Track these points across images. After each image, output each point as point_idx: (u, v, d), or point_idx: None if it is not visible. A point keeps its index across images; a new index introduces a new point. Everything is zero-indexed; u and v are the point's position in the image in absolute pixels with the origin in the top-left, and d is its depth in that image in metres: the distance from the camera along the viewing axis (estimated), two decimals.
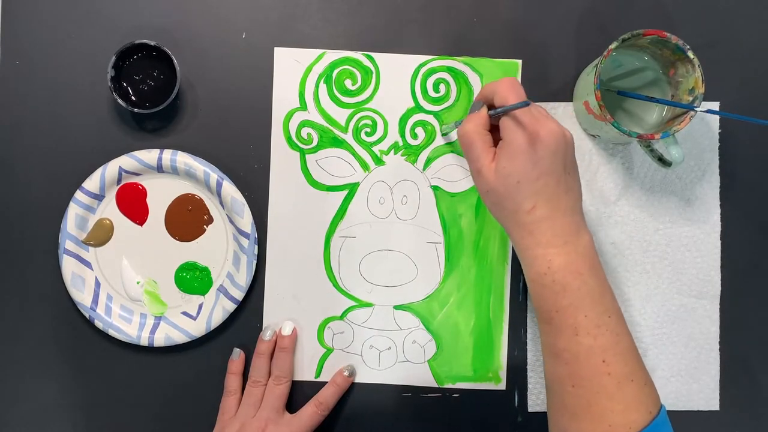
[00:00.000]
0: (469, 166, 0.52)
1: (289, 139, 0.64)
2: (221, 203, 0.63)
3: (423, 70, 0.64)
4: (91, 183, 0.62)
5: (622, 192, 0.65)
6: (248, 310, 0.64)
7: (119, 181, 0.63)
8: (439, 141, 0.64)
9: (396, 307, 0.64)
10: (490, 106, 0.53)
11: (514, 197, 0.49)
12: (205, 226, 0.64)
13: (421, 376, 0.64)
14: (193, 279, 0.64)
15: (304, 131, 0.64)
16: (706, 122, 0.65)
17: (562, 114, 0.64)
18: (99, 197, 0.63)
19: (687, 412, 0.65)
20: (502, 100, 0.50)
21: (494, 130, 0.53)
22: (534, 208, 0.49)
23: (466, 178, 0.64)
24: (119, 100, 0.60)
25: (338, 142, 0.64)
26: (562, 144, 0.49)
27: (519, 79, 0.64)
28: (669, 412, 0.64)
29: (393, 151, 0.64)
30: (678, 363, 0.65)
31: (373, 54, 0.64)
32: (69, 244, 0.62)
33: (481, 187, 0.51)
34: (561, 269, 0.49)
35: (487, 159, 0.50)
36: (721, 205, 0.65)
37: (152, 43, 0.60)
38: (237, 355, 0.63)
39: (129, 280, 0.64)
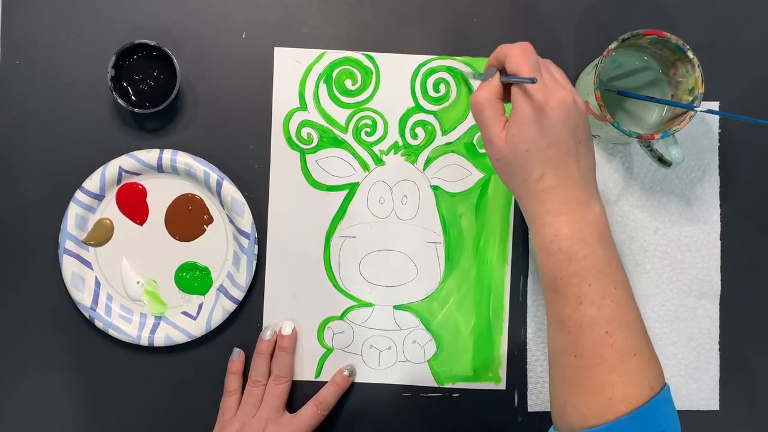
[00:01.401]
0: (481, 134, 0.51)
1: (289, 139, 0.64)
2: (221, 203, 0.63)
3: (423, 69, 0.64)
4: (91, 183, 0.62)
5: (622, 192, 0.65)
6: (248, 310, 0.64)
7: (119, 181, 0.63)
8: (439, 141, 0.64)
9: (396, 307, 0.64)
10: (503, 71, 0.51)
11: (523, 165, 0.49)
12: (205, 226, 0.64)
13: (421, 376, 0.64)
14: (193, 279, 0.64)
15: (304, 131, 0.64)
16: (706, 122, 0.65)
17: None
18: (99, 197, 0.63)
19: (687, 411, 0.65)
20: (513, 67, 0.49)
21: (509, 94, 0.52)
22: (543, 176, 0.48)
23: (466, 178, 0.64)
24: (119, 100, 0.60)
25: (338, 142, 0.64)
26: (573, 113, 0.48)
27: None
28: None
29: (393, 151, 0.64)
30: (678, 363, 0.65)
31: (373, 54, 0.64)
32: (69, 244, 0.62)
33: (491, 155, 0.51)
34: (568, 237, 0.48)
35: (497, 127, 0.50)
36: (721, 205, 0.65)
37: (152, 43, 0.60)
38: (237, 355, 0.63)
39: (129, 280, 0.64)
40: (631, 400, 0.46)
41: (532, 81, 0.47)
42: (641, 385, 0.47)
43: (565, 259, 0.48)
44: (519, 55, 0.49)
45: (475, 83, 0.64)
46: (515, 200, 0.64)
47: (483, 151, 0.64)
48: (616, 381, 0.46)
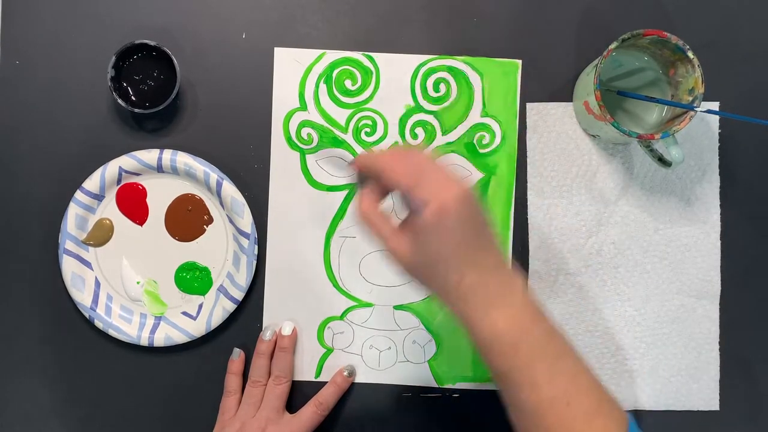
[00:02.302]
0: (381, 246, 0.49)
1: (289, 139, 0.64)
2: (221, 203, 0.63)
3: (423, 69, 0.64)
4: (91, 183, 0.62)
5: (622, 192, 0.65)
6: (248, 310, 0.64)
7: (119, 181, 0.63)
8: (440, 141, 0.64)
9: (396, 307, 0.64)
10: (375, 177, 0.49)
11: (435, 274, 0.47)
12: (205, 226, 0.64)
13: (421, 376, 0.64)
14: (193, 279, 0.64)
15: (304, 131, 0.64)
16: (706, 122, 0.65)
17: (562, 114, 0.64)
18: (99, 197, 0.63)
19: (687, 412, 0.65)
20: (391, 182, 0.47)
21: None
22: (461, 279, 0.46)
23: (466, 178, 0.64)
24: (119, 100, 0.60)
25: (338, 142, 0.64)
26: (468, 205, 0.46)
27: (519, 79, 0.64)
28: (669, 412, 0.64)
29: None
30: (678, 363, 0.65)
31: (373, 54, 0.64)
32: (69, 244, 0.62)
33: (398, 266, 0.48)
34: (506, 331, 0.46)
35: (393, 240, 0.48)
36: (721, 205, 0.65)
37: (152, 43, 0.60)
38: (237, 355, 0.63)
39: (129, 280, 0.64)
40: None
41: (411, 205, 0.46)
42: None
43: (509, 351, 0.47)
44: (392, 167, 0.47)
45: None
46: (513, 202, 0.64)
47: (483, 151, 0.64)
48: None
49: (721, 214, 0.65)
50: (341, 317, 0.64)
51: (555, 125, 0.64)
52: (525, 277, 0.49)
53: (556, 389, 0.46)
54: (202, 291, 0.64)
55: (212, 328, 0.63)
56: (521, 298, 0.48)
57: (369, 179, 0.49)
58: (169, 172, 0.63)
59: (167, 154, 0.62)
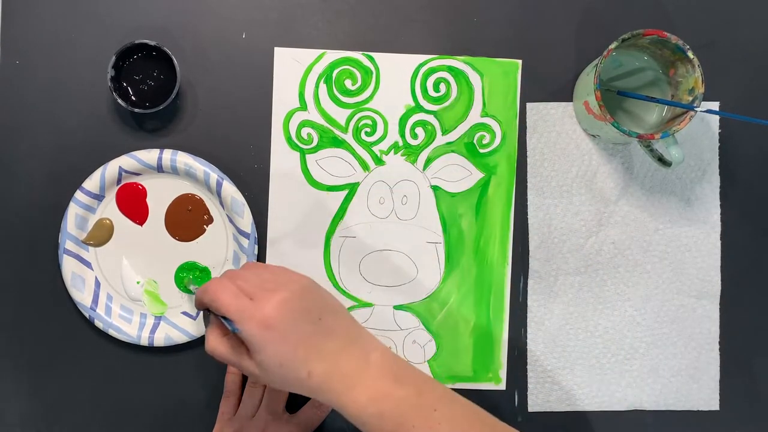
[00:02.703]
0: (241, 370, 0.50)
1: (289, 139, 0.64)
2: (221, 203, 0.63)
3: (423, 69, 0.64)
4: (91, 183, 0.62)
5: (622, 192, 0.65)
6: None
7: (119, 181, 0.63)
8: (440, 141, 0.64)
9: (396, 307, 0.64)
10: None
11: (288, 376, 0.48)
12: (205, 226, 0.64)
13: None
14: (193, 279, 0.64)
15: (304, 131, 0.64)
16: (706, 122, 0.65)
17: (562, 114, 0.64)
18: (99, 197, 0.63)
19: (687, 412, 0.65)
20: (216, 308, 0.49)
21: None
22: (311, 373, 0.48)
23: (467, 178, 0.64)
24: (119, 100, 0.60)
25: (338, 142, 0.64)
26: (293, 305, 0.48)
27: (519, 79, 0.64)
28: (669, 412, 0.64)
29: (393, 151, 0.64)
30: (678, 363, 0.65)
31: (373, 54, 0.64)
32: (69, 244, 0.62)
33: (260, 381, 0.51)
34: (370, 403, 0.48)
35: (246, 361, 0.49)
36: (721, 205, 0.65)
37: (152, 43, 0.60)
38: None
39: (129, 280, 0.64)
40: None
41: (235, 331, 0.48)
42: None
43: (380, 422, 0.48)
44: (212, 296, 0.49)
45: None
46: (513, 202, 0.64)
47: (484, 151, 0.64)
48: None
49: (721, 214, 0.65)
50: None
51: (555, 125, 0.64)
52: (378, 343, 0.51)
53: None
54: None
55: None
56: (378, 367, 0.49)
57: (207, 317, 0.53)
58: (169, 172, 0.63)
59: (167, 154, 0.62)
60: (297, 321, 0.48)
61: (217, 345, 0.50)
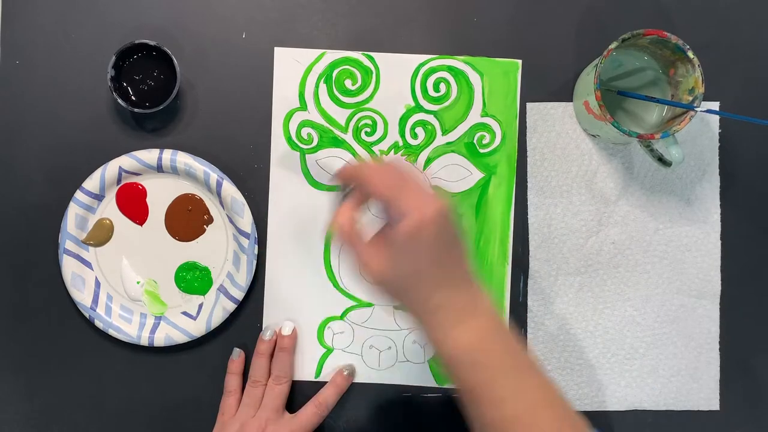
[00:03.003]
0: (356, 261, 0.49)
1: (289, 139, 0.64)
2: (221, 203, 0.63)
3: (423, 69, 0.64)
4: (91, 183, 0.62)
5: (622, 192, 0.65)
6: (248, 310, 0.64)
7: (119, 181, 0.63)
8: (440, 141, 0.64)
9: (396, 307, 0.64)
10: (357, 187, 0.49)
11: (406, 290, 0.47)
12: (205, 226, 0.64)
13: (421, 376, 0.64)
14: (193, 279, 0.64)
15: (304, 131, 0.64)
16: (706, 122, 0.65)
17: (562, 114, 0.64)
18: (99, 197, 0.63)
19: (687, 412, 0.65)
20: (370, 191, 0.47)
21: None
22: (429, 296, 0.47)
23: (466, 178, 0.64)
24: (119, 100, 0.60)
25: (338, 142, 0.64)
26: (442, 223, 0.46)
27: (519, 79, 0.64)
28: (669, 412, 0.64)
29: (393, 151, 0.64)
30: (678, 363, 0.65)
31: (373, 54, 0.64)
32: (69, 244, 0.62)
33: (371, 280, 0.48)
34: (468, 348, 0.47)
35: (367, 254, 0.48)
36: (721, 205, 0.65)
37: (152, 43, 0.60)
38: (237, 355, 0.63)
39: (129, 280, 0.64)
40: None
41: (392, 220, 0.46)
42: None
43: (472, 368, 0.47)
44: (374, 180, 0.47)
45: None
46: (513, 202, 0.64)
47: (484, 151, 0.64)
48: None
49: (721, 214, 0.65)
50: (341, 317, 0.64)
51: (555, 125, 0.64)
52: (490, 294, 0.49)
53: (519, 406, 0.47)
54: (202, 291, 0.64)
55: (212, 328, 0.63)
56: (486, 316, 0.48)
57: (350, 193, 0.50)
58: (169, 172, 0.63)
59: (167, 154, 0.62)
60: (442, 239, 0.46)
61: (349, 223, 0.48)
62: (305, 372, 0.64)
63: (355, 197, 0.50)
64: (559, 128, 0.64)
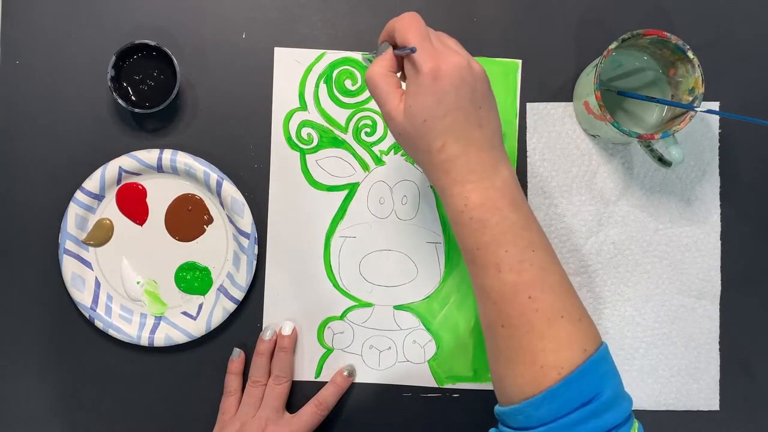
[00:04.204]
0: (380, 109, 0.49)
1: (289, 139, 0.64)
2: (221, 203, 0.63)
3: None
4: (91, 183, 0.62)
5: (622, 192, 0.65)
6: (248, 310, 0.64)
7: (119, 181, 0.63)
8: None
9: (396, 307, 0.64)
10: (395, 45, 0.50)
11: (423, 137, 0.47)
12: (205, 226, 0.64)
13: (421, 376, 0.64)
14: (193, 279, 0.64)
15: (304, 131, 0.64)
16: (706, 122, 0.65)
17: (562, 114, 0.64)
18: (99, 197, 0.63)
19: (687, 412, 0.65)
20: (401, 38, 0.48)
21: None
22: (444, 146, 0.47)
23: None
24: (119, 100, 0.60)
25: (338, 142, 0.64)
26: (468, 77, 0.47)
27: (519, 79, 0.64)
28: (669, 412, 0.64)
29: (393, 151, 0.64)
30: (678, 363, 0.65)
31: (373, 54, 0.64)
32: (69, 244, 0.62)
33: (392, 129, 0.49)
34: (478, 206, 0.47)
35: (393, 101, 0.48)
36: (721, 205, 0.65)
37: (152, 43, 0.60)
38: (237, 355, 0.63)
39: (129, 280, 0.64)
40: (563, 365, 0.45)
41: (412, 50, 0.46)
42: (572, 348, 0.45)
43: (478, 228, 0.47)
44: (405, 26, 0.48)
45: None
46: None
47: None
48: (546, 347, 0.45)
49: (721, 214, 0.65)
50: (341, 317, 0.64)
51: (555, 125, 0.64)
52: (513, 171, 0.49)
53: (520, 277, 0.46)
54: (202, 291, 0.64)
55: (212, 328, 0.63)
56: (502, 182, 0.48)
57: (383, 49, 0.50)
58: (169, 172, 0.63)
59: (167, 154, 0.62)
60: (461, 92, 0.46)
61: (378, 71, 0.49)
62: (305, 372, 0.64)
63: (391, 57, 0.49)
64: (559, 128, 0.64)
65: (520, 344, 0.46)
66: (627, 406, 0.46)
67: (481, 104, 0.48)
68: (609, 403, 0.45)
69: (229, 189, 0.62)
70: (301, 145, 0.64)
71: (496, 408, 0.49)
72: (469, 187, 0.47)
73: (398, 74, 0.50)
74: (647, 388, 0.64)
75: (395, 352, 0.64)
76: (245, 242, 0.62)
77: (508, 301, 0.46)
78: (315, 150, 0.64)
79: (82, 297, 0.62)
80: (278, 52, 0.64)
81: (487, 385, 0.64)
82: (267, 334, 0.62)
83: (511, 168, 0.49)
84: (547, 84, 0.64)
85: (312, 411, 0.61)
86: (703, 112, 0.58)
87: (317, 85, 0.64)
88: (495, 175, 0.47)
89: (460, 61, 0.47)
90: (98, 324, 0.62)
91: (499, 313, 0.47)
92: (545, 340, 0.45)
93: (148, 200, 0.63)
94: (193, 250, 0.64)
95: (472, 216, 0.47)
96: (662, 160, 0.61)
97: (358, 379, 0.64)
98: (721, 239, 0.65)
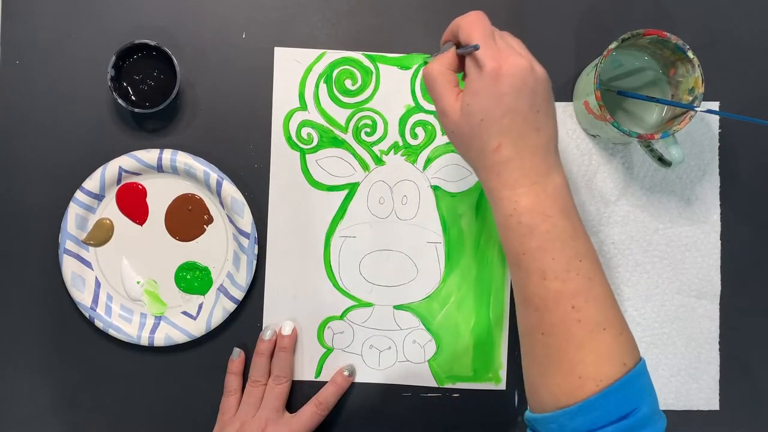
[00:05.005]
0: (435, 106, 0.49)
1: (289, 139, 0.64)
2: (221, 203, 0.63)
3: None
4: (91, 183, 0.62)
5: (622, 192, 0.65)
6: (248, 310, 0.64)
7: (119, 181, 0.63)
8: (440, 141, 0.64)
9: (396, 307, 0.64)
10: (458, 44, 0.50)
11: (479, 136, 0.47)
12: (205, 226, 0.64)
13: (421, 376, 0.64)
14: (193, 279, 0.64)
15: (304, 131, 0.64)
16: (706, 122, 0.65)
17: (562, 114, 0.64)
18: (99, 197, 0.63)
19: (687, 412, 0.65)
20: (465, 36, 0.47)
21: None
22: (499, 147, 0.46)
23: (467, 178, 0.64)
24: (119, 100, 0.60)
25: (338, 142, 0.64)
26: (530, 80, 0.46)
27: None
28: (669, 411, 0.64)
29: (393, 151, 0.64)
30: (678, 363, 0.65)
31: (373, 54, 0.64)
32: (69, 244, 0.62)
33: (446, 126, 0.49)
34: (528, 211, 0.46)
35: (450, 98, 0.48)
36: (721, 205, 0.65)
37: (152, 43, 0.60)
38: (237, 355, 0.63)
39: (129, 280, 0.64)
40: (602, 377, 0.44)
41: (476, 48, 0.46)
42: (612, 361, 0.45)
43: (526, 233, 0.46)
44: (470, 24, 0.48)
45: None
46: None
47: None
48: (586, 358, 0.44)
49: (721, 214, 0.65)
50: (341, 317, 0.64)
51: None
52: (565, 178, 0.48)
53: (565, 286, 0.45)
54: (202, 291, 0.64)
55: (212, 328, 0.63)
56: (553, 189, 0.47)
57: (446, 48, 0.50)
58: (169, 172, 0.63)
59: (167, 154, 0.62)
60: (521, 95, 0.46)
61: (437, 68, 0.48)
62: (305, 372, 0.64)
63: (452, 55, 0.49)
64: (559, 128, 0.64)
65: (559, 353, 0.45)
66: (662, 425, 0.45)
67: (540, 108, 0.47)
68: (646, 420, 0.44)
69: (229, 189, 0.62)
70: (301, 145, 0.64)
71: (527, 414, 0.49)
72: (520, 191, 0.46)
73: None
74: None
75: (395, 351, 0.64)
76: (245, 242, 0.62)
77: (551, 310, 0.46)
78: (315, 150, 0.64)
79: (82, 297, 0.62)
80: (278, 51, 0.64)
81: (487, 385, 0.64)
82: (267, 334, 0.62)
83: (564, 175, 0.48)
84: None
85: (312, 411, 0.61)
86: (703, 112, 0.58)
87: (317, 85, 0.64)
88: (547, 180, 0.47)
89: (522, 62, 0.46)
90: (98, 324, 0.62)
91: (540, 321, 0.46)
92: (585, 351, 0.45)
93: (148, 200, 0.63)
94: (193, 250, 0.64)
95: (521, 221, 0.46)
96: (662, 160, 0.61)
97: (358, 379, 0.64)
98: (721, 239, 0.65)
